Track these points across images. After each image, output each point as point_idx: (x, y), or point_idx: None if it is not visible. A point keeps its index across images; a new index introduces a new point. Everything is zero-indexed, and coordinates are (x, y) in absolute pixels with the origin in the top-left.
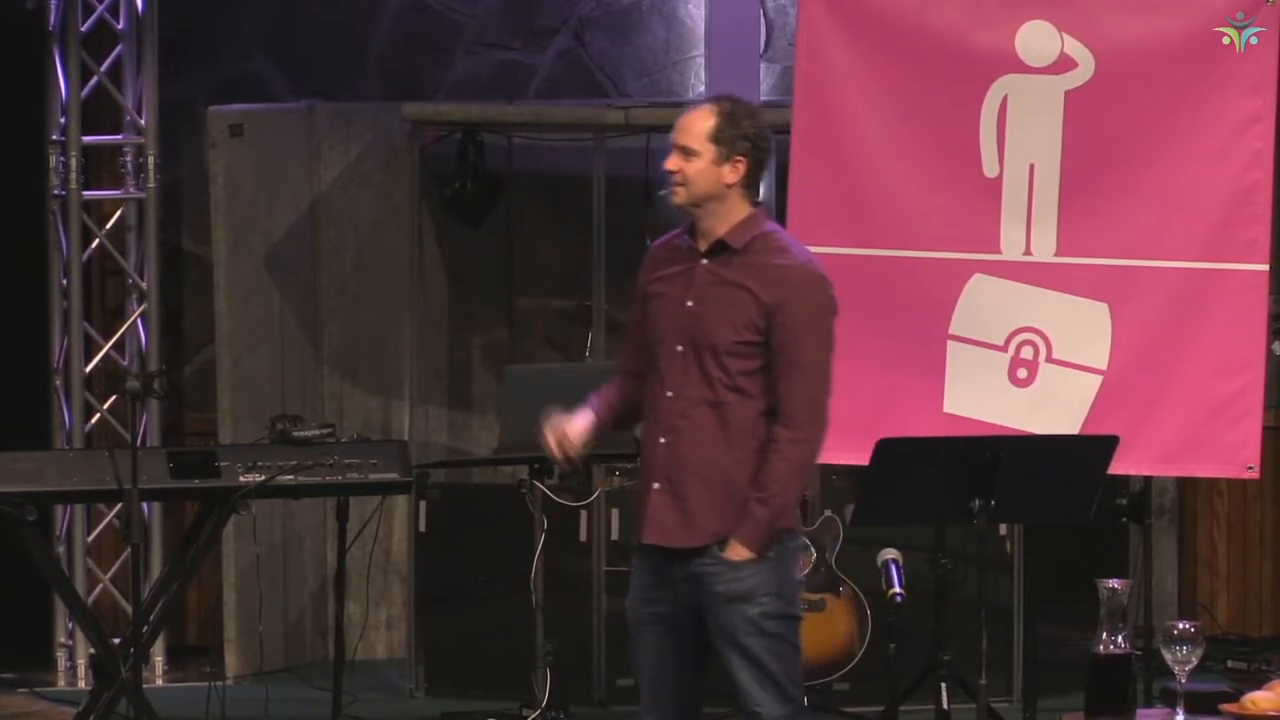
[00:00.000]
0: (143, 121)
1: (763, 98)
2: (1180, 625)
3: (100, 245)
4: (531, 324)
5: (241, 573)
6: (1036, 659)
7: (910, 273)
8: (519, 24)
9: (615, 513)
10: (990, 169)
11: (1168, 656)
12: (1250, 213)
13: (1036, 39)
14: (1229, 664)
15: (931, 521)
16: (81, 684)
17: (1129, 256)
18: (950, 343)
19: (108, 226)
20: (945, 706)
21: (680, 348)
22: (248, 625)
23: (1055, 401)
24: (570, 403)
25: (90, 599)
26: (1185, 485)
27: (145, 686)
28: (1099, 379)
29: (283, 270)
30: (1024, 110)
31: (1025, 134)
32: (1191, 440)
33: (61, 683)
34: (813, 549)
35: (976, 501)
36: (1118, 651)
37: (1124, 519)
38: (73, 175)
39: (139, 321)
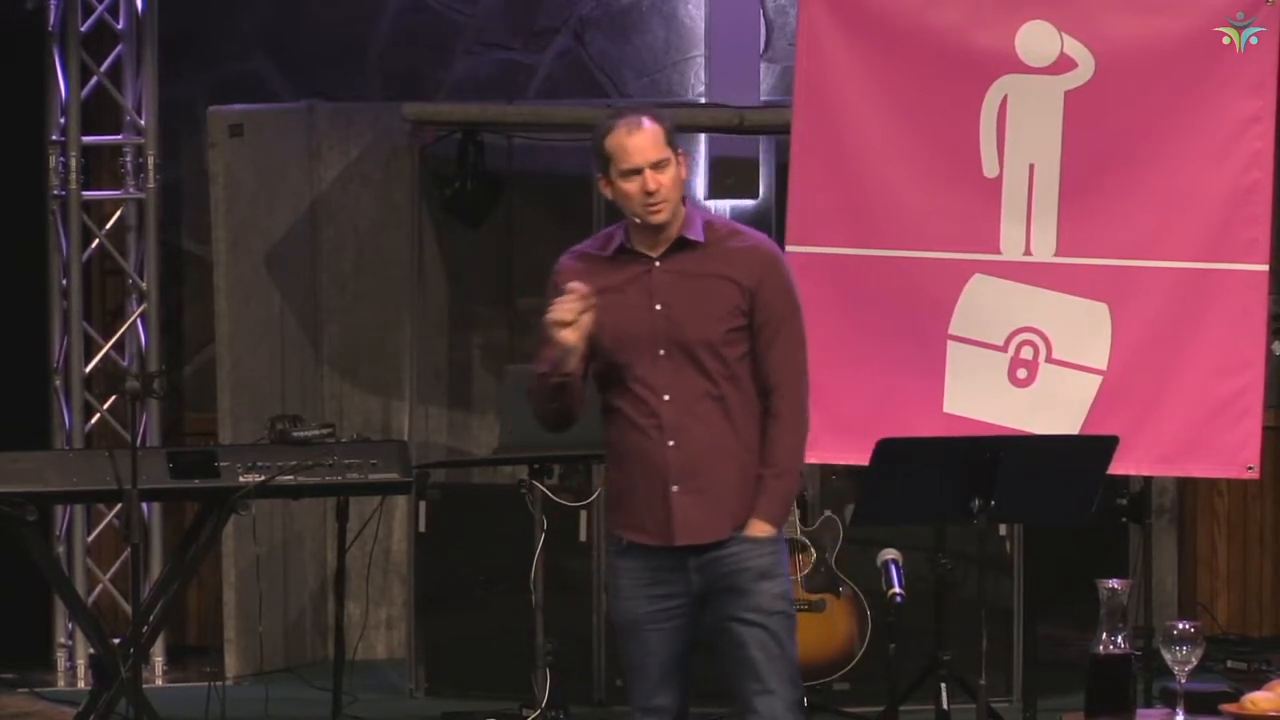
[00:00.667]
0: (142, 122)
1: (763, 98)
2: (1180, 625)
3: (100, 245)
4: (532, 324)
5: (241, 573)
6: (1036, 659)
7: (910, 273)
8: (519, 24)
9: None
10: (990, 169)
11: (1167, 656)
12: (1250, 213)
13: (1036, 39)
14: (1229, 664)
15: (931, 521)
16: (81, 684)
17: (1129, 257)
18: (950, 343)
19: (107, 227)
20: (945, 707)
21: (662, 351)
22: (248, 625)
23: (1055, 401)
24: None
25: (90, 599)
26: (1185, 485)
27: (145, 686)
28: (1099, 379)
29: (283, 270)
30: (1024, 110)
31: (1025, 134)
32: (1191, 440)
33: (61, 683)
34: (813, 549)
35: (976, 501)
36: (1118, 652)
37: (1124, 519)
38: (72, 175)
39: (139, 321)
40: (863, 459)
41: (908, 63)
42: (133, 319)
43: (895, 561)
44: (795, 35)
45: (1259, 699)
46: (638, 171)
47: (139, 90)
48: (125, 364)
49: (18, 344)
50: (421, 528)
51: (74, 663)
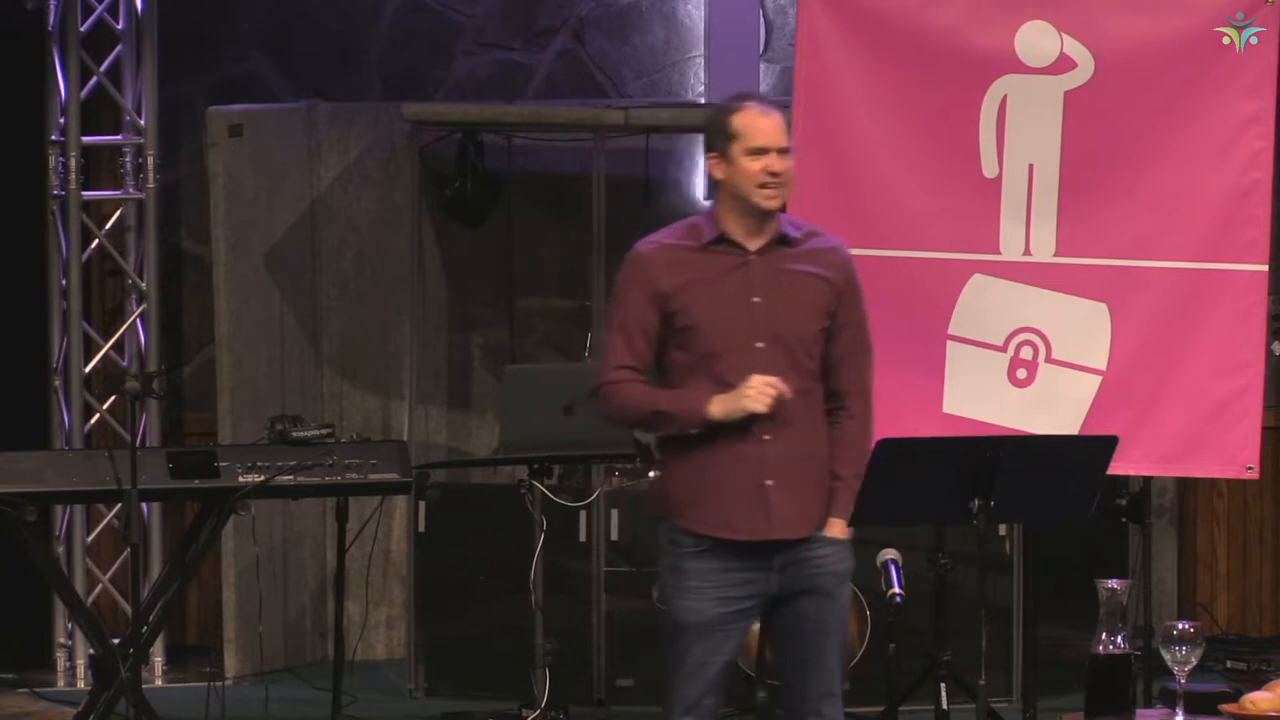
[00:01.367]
0: (142, 122)
1: None
2: (1180, 625)
3: (100, 245)
4: (531, 324)
5: (241, 573)
6: (1036, 659)
7: (909, 273)
8: (519, 24)
9: (615, 513)
10: (990, 169)
11: (1167, 657)
12: (1249, 213)
13: (1036, 39)
14: (1229, 664)
15: (931, 521)
16: (81, 684)
17: (1128, 257)
18: (949, 343)
19: (107, 227)
20: (945, 707)
21: (761, 344)
22: (247, 625)
23: (1055, 402)
24: (570, 403)
25: (90, 599)
26: (1185, 485)
27: (145, 687)
28: (1098, 379)
29: (282, 270)
30: (1023, 111)
31: (1025, 134)
32: (1191, 440)
33: (61, 683)
34: None
35: (976, 502)
36: (1117, 652)
37: (1123, 519)
38: (72, 175)
39: (138, 322)
40: None
41: (907, 63)
42: (132, 319)
43: (895, 561)
44: (795, 35)
45: (1259, 699)
46: (764, 151)
47: (139, 90)
48: (125, 364)
49: (17, 344)
50: (421, 528)
51: (74, 663)
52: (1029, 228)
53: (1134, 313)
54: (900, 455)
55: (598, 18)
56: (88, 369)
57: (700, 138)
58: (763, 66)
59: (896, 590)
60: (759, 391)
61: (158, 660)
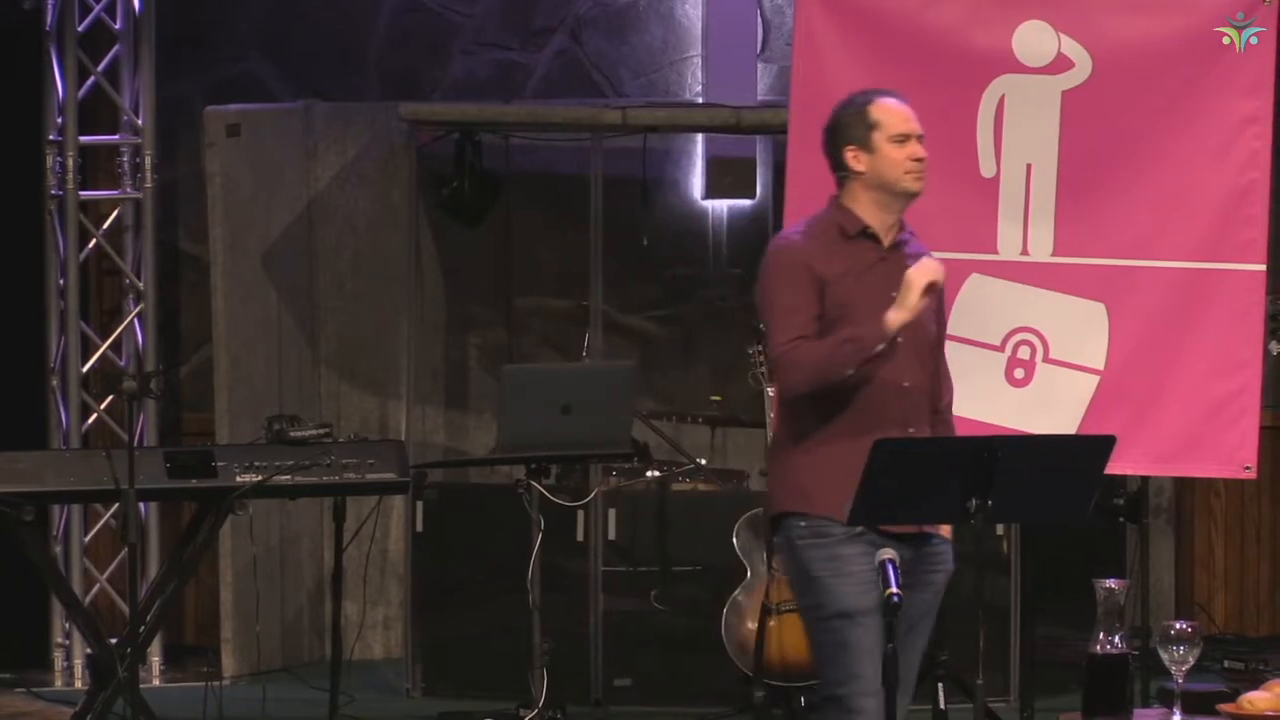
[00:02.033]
0: (140, 121)
1: (759, 97)
2: (1177, 625)
3: (97, 245)
4: (529, 324)
5: (238, 573)
6: (1034, 659)
7: None
8: (516, 24)
9: (612, 513)
10: (987, 169)
11: (1165, 656)
12: (1247, 213)
13: (1034, 39)
14: (1226, 664)
15: (929, 522)
16: (79, 684)
17: (1126, 256)
18: (947, 342)
19: (105, 226)
20: (942, 706)
21: (900, 339)
22: (245, 625)
23: (1052, 401)
24: (568, 403)
25: (87, 599)
26: (1182, 485)
27: (142, 686)
28: (1096, 379)
29: (280, 270)
30: (1021, 110)
31: (1022, 134)
32: (1189, 440)
33: (59, 683)
34: None
35: (973, 501)
36: (1115, 651)
37: (1121, 519)
38: (70, 175)
39: (136, 321)
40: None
41: (904, 62)
42: (130, 319)
43: (892, 561)
44: (792, 35)
45: (1256, 699)
46: (906, 138)
47: (136, 90)
48: (122, 364)
49: (15, 344)
50: (419, 527)
51: (71, 663)
52: (1026, 227)
53: (1132, 312)
54: (898, 455)
55: (595, 17)
56: (85, 369)
57: (698, 137)
58: (760, 66)
59: (894, 590)
60: (923, 269)
61: (155, 660)
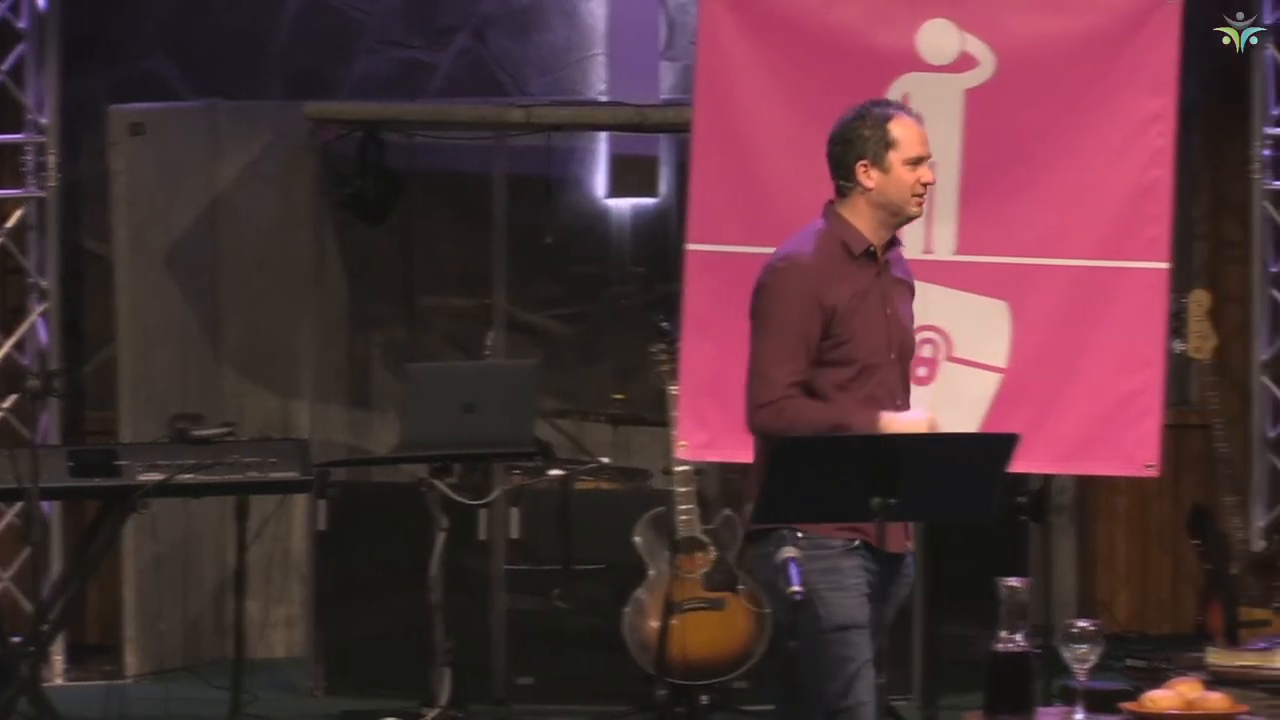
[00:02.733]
0: (44, 120)
1: (663, 96)
2: (1079, 624)
3: (1, 244)
4: (432, 322)
5: (141, 571)
6: (936, 657)
7: None
8: (420, 22)
9: (515, 512)
10: None
11: (1067, 655)
12: (1150, 211)
13: (937, 37)
14: (1128, 662)
15: (832, 521)
16: None
17: (1029, 255)
18: None
19: (8, 225)
20: None
21: (894, 356)
22: (147, 624)
23: (955, 400)
24: (470, 402)
25: None
26: (1085, 483)
27: (45, 685)
28: (999, 377)
29: (183, 269)
30: (924, 109)
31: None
32: (1091, 438)
33: None
34: (712, 547)
35: (876, 500)
36: (1017, 650)
37: (1024, 517)
38: None
39: (39, 320)
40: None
41: (808, 61)
42: (33, 318)
43: (795, 560)
44: (696, 33)
45: (1158, 697)
46: (920, 161)
47: (40, 89)
48: (26, 363)
49: None
50: (321, 526)
51: None
52: (930, 226)
53: (1034, 310)
54: (799, 454)
55: (499, 16)
56: None
57: (601, 136)
58: (664, 65)
59: (796, 588)
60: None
61: (58, 659)
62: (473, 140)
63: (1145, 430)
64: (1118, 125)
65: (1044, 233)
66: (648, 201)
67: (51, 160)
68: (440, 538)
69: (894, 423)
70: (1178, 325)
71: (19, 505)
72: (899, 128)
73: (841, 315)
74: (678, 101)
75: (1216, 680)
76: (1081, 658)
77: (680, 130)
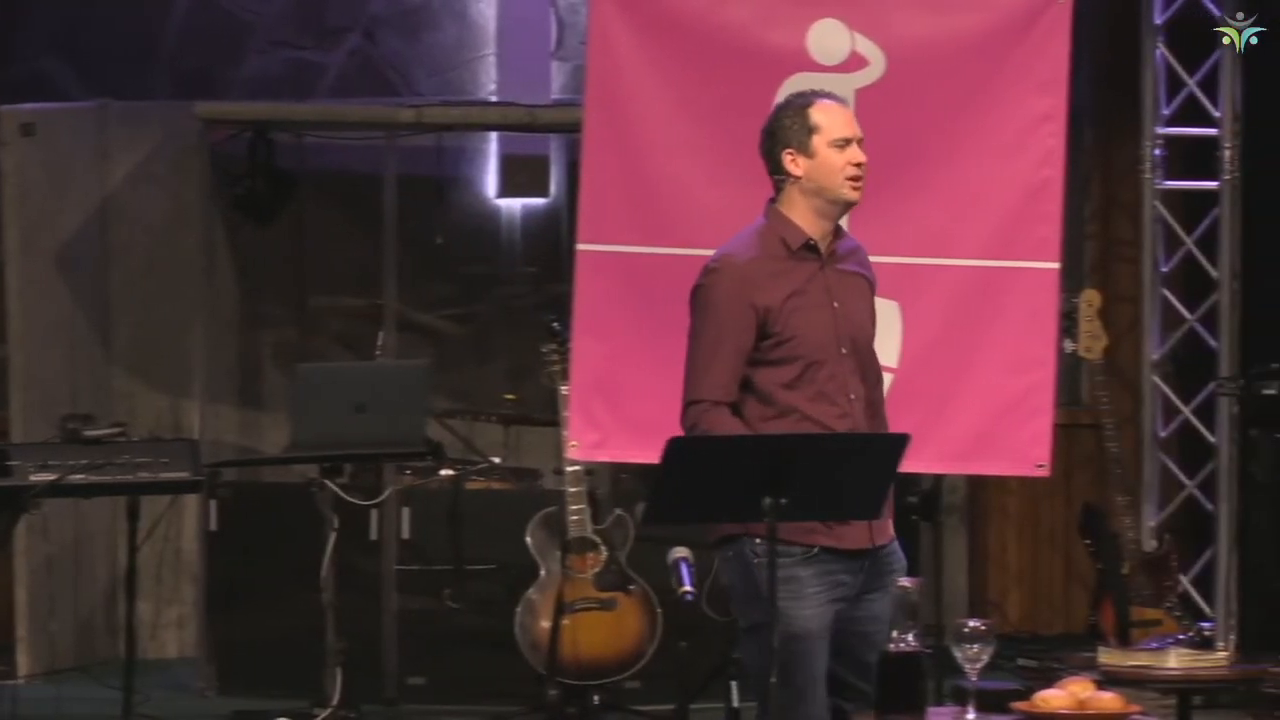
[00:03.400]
0: None
1: (554, 96)
2: (971, 623)
3: None
4: (323, 322)
5: (33, 571)
6: None
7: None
8: (310, 23)
9: (406, 511)
10: None
11: (958, 654)
12: (1041, 210)
13: (827, 37)
14: (1020, 662)
15: (723, 520)
16: None
17: (920, 254)
18: None
19: None
20: (735, 705)
21: (844, 350)
22: (39, 624)
23: None
24: (361, 402)
25: None
26: (976, 483)
27: None
28: (889, 377)
29: (74, 269)
30: None
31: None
32: (982, 438)
33: None
34: (604, 547)
35: (767, 500)
36: (908, 650)
37: (915, 517)
38: None
39: None
40: (655, 458)
41: (699, 61)
42: None
43: (686, 560)
44: (586, 33)
45: (1050, 697)
46: (847, 142)
47: None
48: None
49: None
50: (213, 526)
51: None
52: None
53: (925, 310)
54: (689, 453)
55: (389, 16)
56: None
57: (492, 136)
58: (554, 65)
59: (688, 588)
60: None
61: None
62: (363, 140)
63: (1036, 430)
64: (1008, 125)
65: (935, 233)
66: (538, 201)
67: None
68: (331, 538)
69: None
70: (1068, 325)
71: None
72: (819, 112)
73: (778, 314)
74: (568, 101)
75: (1108, 680)
76: (973, 658)
77: (571, 130)
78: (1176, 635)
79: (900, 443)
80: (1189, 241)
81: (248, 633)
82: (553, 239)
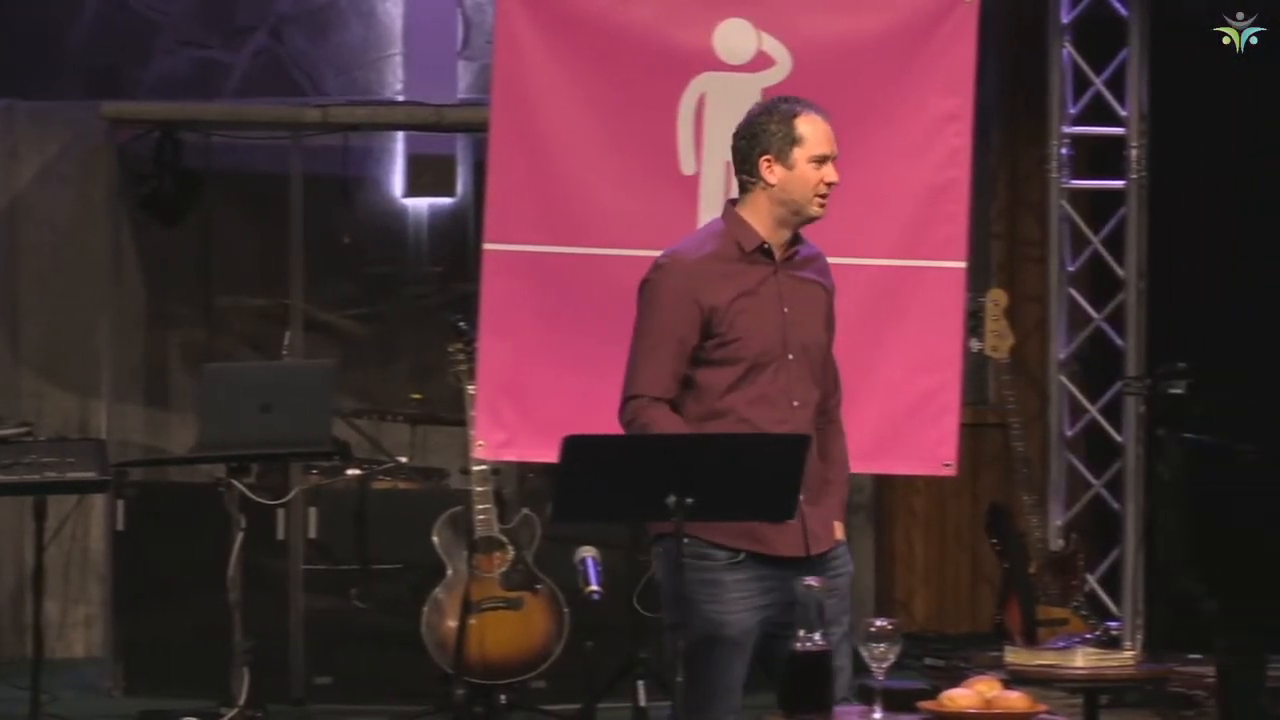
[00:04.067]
0: None
1: (460, 95)
2: (877, 623)
3: None
4: (229, 322)
5: None
6: None
7: (609, 271)
8: (217, 22)
9: (313, 511)
10: (687, 167)
11: (865, 654)
12: (947, 210)
13: (733, 37)
14: (927, 661)
15: (626, 519)
16: None
17: (826, 254)
18: None
19: None
20: (642, 704)
21: (791, 356)
22: None
23: None
24: (267, 401)
25: None
26: (883, 482)
27: None
28: None
29: None
30: (722, 108)
31: (723, 131)
32: (889, 438)
33: None
34: (510, 547)
35: (672, 499)
36: (815, 649)
37: None
38: None
39: None
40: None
41: (605, 60)
42: None
43: (593, 559)
44: (493, 33)
45: (957, 696)
46: (825, 160)
47: None
48: None
49: None
50: (120, 526)
51: None
52: None
53: None
54: (589, 453)
55: (296, 15)
56: None
57: (398, 135)
58: (461, 64)
59: (594, 588)
60: None
61: None
62: (269, 140)
63: (943, 429)
64: (914, 125)
65: (840, 232)
66: (445, 201)
67: None
68: (238, 537)
69: None
70: (975, 324)
71: None
72: (806, 124)
73: (724, 314)
74: (475, 101)
75: (1015, 679)
76: (879, 657)
77: (477, 130)
78: (1083, 634)
79: (800, 443)
80: (1096, 241)
81: (155, 632)
82: (459, 238)
